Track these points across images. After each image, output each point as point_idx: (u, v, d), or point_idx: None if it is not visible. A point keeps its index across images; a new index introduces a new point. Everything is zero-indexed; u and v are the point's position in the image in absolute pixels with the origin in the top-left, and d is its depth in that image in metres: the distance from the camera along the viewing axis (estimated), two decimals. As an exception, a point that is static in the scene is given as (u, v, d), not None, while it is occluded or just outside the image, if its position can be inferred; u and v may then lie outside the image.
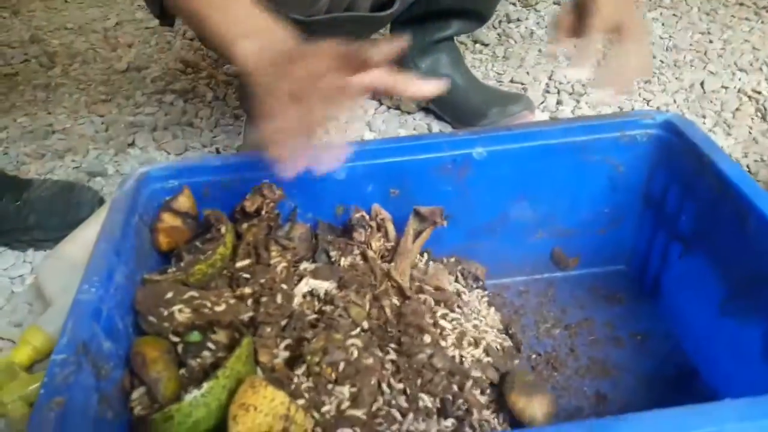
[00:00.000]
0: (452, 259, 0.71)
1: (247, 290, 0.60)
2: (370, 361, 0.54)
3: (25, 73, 1.38)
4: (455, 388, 0.56)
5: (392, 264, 0.64)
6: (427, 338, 0.58)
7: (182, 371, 0.53)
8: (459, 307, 0.65)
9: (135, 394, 0.51)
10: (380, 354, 0.56)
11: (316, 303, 0.61)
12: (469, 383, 0.56)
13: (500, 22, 1.43)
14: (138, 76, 1.33)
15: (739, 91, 1.15)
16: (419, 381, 0.55)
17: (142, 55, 1.41)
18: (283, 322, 0.58)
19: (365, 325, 0.58)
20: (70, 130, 1.18)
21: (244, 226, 0.63)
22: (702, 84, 1.17)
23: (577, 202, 0.70)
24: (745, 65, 1.22)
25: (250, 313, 0.57)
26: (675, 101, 1.13)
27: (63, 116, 1.22)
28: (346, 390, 0.52)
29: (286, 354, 0.56)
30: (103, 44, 1.47)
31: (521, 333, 0.69)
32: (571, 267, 0.74)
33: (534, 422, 0.56)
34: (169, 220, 0.61)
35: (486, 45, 1.35)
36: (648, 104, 1.13)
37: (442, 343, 0.59)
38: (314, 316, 0.59)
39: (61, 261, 0.80)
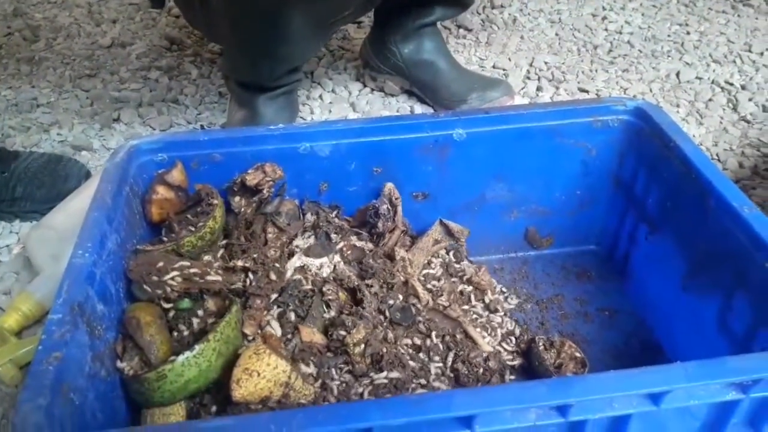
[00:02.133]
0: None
1: (240, 263, 0.62)
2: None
3: (8, 46, 1.37)
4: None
5: (408, 254, 0.67)
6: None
7: (173, 335, 0.56)
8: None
9: (126, 356, 0.54)
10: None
11: (308, 278, 0.64)
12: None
13: (484, 8, 1.46)
14: (123, 52, 1.33)
15: (712, 82, 1.19)
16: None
17: (126, 31, 1.41)
18: (273, 296, 0.61)
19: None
20: (54, 104, 1.18)
21: (236, 199, 0.66)
22: (677, 74, 1.21)
23: (551, 184, 0.73)
24: (719, 57, 1.26)
25: (240, 284, 0.60)
26: (651, 90, 1.17)
27: (47, 90, 1.22)
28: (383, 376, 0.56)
29: (277, 326, 0.59)
30: (87, 19, 1.47)
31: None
32: (544, 246, 0.77)
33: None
34: (162, 192, 0.63)
35: (469, 30, 1.37)
36: (625, 92, 1.16)
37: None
38: (308, 287, 0.62)
39: (50, 231, 0.81)
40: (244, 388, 0.50)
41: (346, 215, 0.72)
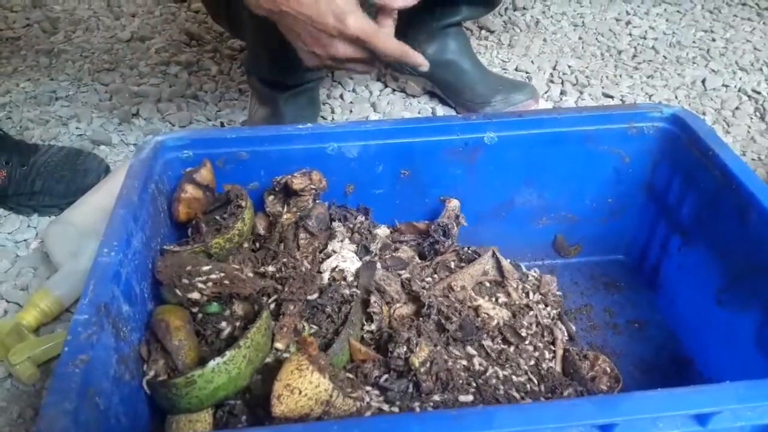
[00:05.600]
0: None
1: (270, 269, 0.61)
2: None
3: (27, 38, 1.36)
4: None
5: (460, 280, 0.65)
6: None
7: (200, 340, 0.55)
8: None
9: (151, 360, 0.52)
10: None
11: (342, 283, 0.62)
12: None
13: (506, 9, 1.44)
14: (142, 47, 1.32)
15: (739, 90, 1.17)
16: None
17: (146, 25, 1.40)
18: (311, 297, 0.59)
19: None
20: (73, 97, 1.17)
21: (271, 198, 0.64)
22: (703, 81, 1.19)
23: (582, 191, 0.72)
24: (746, 65, 1.24)
25: (271, 290, 0.59)
26: (677, 97, 1.15)
27: (66, 83, 1.21)
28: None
29: (312, 333, 0.58)
30: (107, 12, 1.46)
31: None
32: (572, 254, 0.76)
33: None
34: (191, 191, 0.62)
35: (491, 32, 1.35)
36: (650, 98, 1.14)
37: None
38: (347, 291, 0.60)
39: (69, 226, 0.80)
40: (284, 405, 0.48)
41: (375, 219, 0.71)
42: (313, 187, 0.65)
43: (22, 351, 0.68)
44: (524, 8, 1.45)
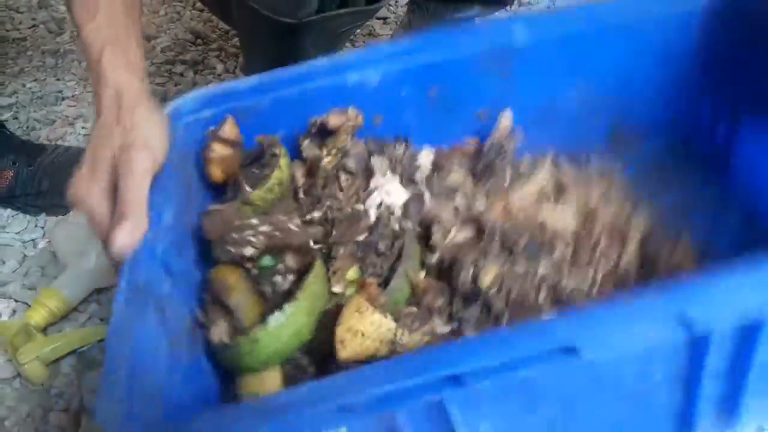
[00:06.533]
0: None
1: (317, 214, 0.58)
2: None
3: (33, 38, 1.36)
4: None
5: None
6: None
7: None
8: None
9: (213, 324, 0.50)
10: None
11: (391, 218, 0.58)
12: None
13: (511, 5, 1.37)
14: (147, 46, 1.29)
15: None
16: None
17: (151, 24, 1.39)
18: (360, 238, 0.56)
19: None
20: (79, 96, 1.17)
21: (306, 142, 0.60)
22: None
23: (630, 80, 0.65)
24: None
25: (320, 236, 0.56)
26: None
27: (72, 83, 1.21)
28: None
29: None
30: None
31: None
32: (631, 145, 0.69)
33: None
34: (219, 149, 0.59)
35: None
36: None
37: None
38: (397, 226, 0.57)
39: (76, 226, 0.80)
40: (349, 349, 0.47)
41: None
42: (350, 123, 0.61)
43: (31, 350, 0.67)
44: (529, 3, 1.37)
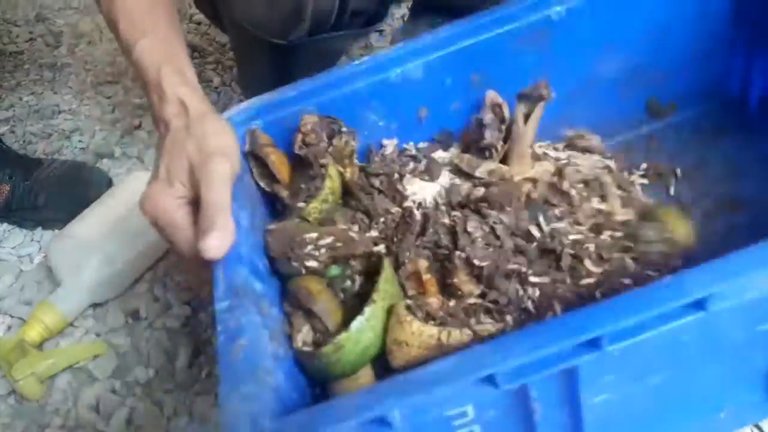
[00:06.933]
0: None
1: (373, 233, 0.58)
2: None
3: (30, 52, 1.35)
4: None
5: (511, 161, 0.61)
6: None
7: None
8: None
9: (296, 331, 0.50)
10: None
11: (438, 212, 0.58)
12: None
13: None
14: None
15: None
16: None
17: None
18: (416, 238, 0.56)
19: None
20: (76, 110, 1.16)
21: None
22: None
23: (666, 43, 0.65)
24: None
25: (382, 246, 0.56)
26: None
27: (69, 96, 1.20)
28: None
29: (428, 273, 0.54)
30: None
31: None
32: (670, 113, 0.70)
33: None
34: (273, 155, 0.59)
35: None
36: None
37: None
38: (447, 221, 0.56)
39: (72, 240, 0.80)
40: (399, 358, 0.47)
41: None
42: (308, 129, 0.59)
43: (26, 366, 0.68)
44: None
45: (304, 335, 0.50)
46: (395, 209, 0.58)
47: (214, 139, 0.50)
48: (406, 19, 1.05)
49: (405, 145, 0.65)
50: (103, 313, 0.80)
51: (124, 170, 1.01)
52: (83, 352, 0.75)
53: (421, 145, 0.65)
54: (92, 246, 0.79)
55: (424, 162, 0.62)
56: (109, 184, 0.94)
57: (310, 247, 0.52)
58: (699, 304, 0.36)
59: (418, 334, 0.46)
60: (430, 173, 0.61)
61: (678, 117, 0.70)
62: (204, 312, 0.76)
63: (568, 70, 0.65)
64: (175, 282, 0.82)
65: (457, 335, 0.46)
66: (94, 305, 0.81)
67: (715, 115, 0.69)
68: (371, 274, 0.54)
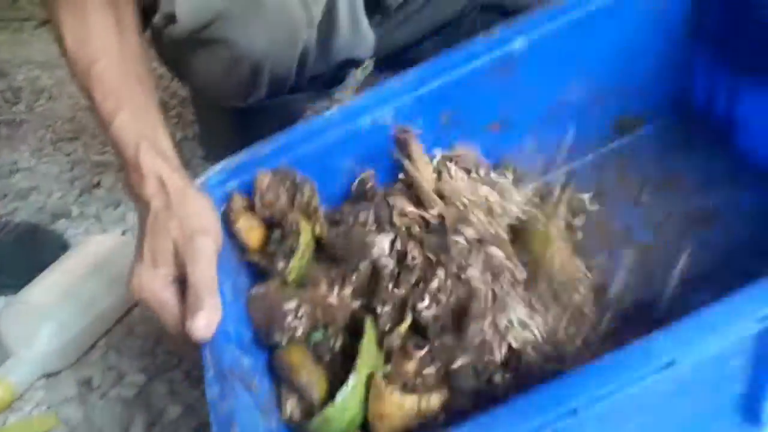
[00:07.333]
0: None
1: (347, 290, 0.57)
2: None
3: None
4: None
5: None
6: None
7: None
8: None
9: (285, 401, 0.51)
10: None
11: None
12: None
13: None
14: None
15: None
16: None
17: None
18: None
19: None
20: (34, 168, 1.14)
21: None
22: None
23: (630, 64, 0.67)
24: None
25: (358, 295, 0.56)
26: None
27: (27, 154, 1.18)
28: None
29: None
30: (70, 80, 1.38)
31: (610, 209, 0.67)
32: (637, 129, 0.71)
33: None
34: (243, 222, 0.58)
35: None
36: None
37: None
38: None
39: (24, 307, 0.78)
40: (384, 430, 0.48)
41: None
42: (264, 190, 0.59)
43: None
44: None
45: (292, 406, 0.50)
46: (363, 264, 0.56)
47: (197, 218, 0.51)
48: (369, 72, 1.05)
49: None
50: (55, 383, 0.77)
51: (81, 230, 0.98)
52: (34, 426, 0.71)
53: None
54: (45, 313, 0.76)
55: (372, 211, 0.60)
56: (65, 247, 0.92)
57: (290, 318, 0.52)
58: (669, 364, 0.39)
59: (398, 406, 0.47)
60: (379, 222, 0.59)
61: (646, 132, 0.72)
62: (159, 380, 0.74)
63: (535, 99, 0.66)
64: (130, 348, 0.79)
65: (435, 399, 0.48)
66: (46, 375, 0.77)
67: (682, 130, 0.71)
68: (352, 328, 0.54)
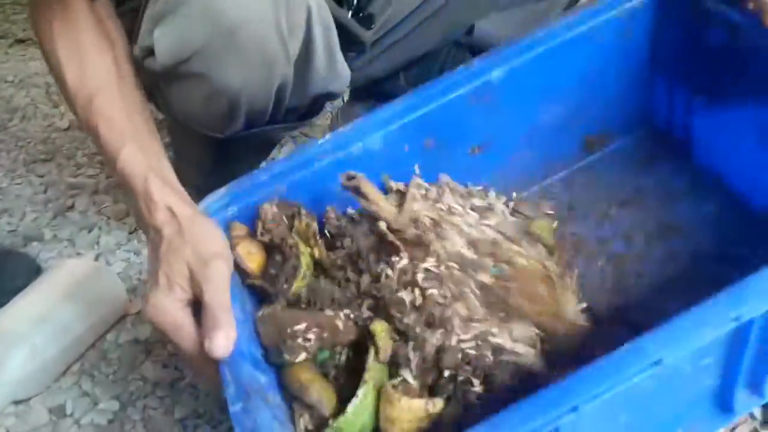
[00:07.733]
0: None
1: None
2: None
3: None
4: None
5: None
6: None
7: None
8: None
9: (298, 416, 0.53)
10: None
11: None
12: None
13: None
14: (80, 135, 1.24)
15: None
16: None
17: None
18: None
19: None
20: (6, 190, 1.12)
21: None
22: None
23: (597, 87, 0.72)
24: None
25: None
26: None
27: (0, 175, 1.16)
28: None
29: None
30: (45, 100, 1.37)
31: (582, 222, 0.72)
32: (603, 145, 0.77)
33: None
34: (243, 248, 0.60)
35: None
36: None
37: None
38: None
39: None
40: None
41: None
42: (268, 219, 0.61)
43: None
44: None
45: (305, 421, 0.52)
46: (363, 284, 0.59)
47: (209, 243, 0.54)
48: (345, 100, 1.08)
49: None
50: (26, 411, 0.75)
51: (54, 254, 0.97)
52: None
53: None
54: (17, 338, 0.75)
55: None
56: (38, 271, 0.90)
57: (300, 339, 0.54)
58: (657, 362, 0.43)
59: (407, 409, 0.50)
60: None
61: (612, 149, 0.78)
62: (132, 407, 0.74)
63: (512, 124, 0.71)
64: (103, 374, 0.78)
65: (441, 403, 0.52)
66: (16, 402, 0.76)
67: (646, 147, 0.77)
68: (358, 344, 0.57)
